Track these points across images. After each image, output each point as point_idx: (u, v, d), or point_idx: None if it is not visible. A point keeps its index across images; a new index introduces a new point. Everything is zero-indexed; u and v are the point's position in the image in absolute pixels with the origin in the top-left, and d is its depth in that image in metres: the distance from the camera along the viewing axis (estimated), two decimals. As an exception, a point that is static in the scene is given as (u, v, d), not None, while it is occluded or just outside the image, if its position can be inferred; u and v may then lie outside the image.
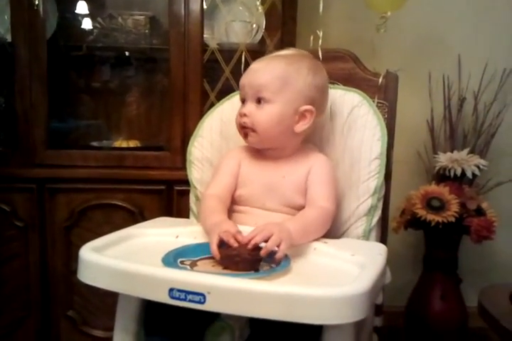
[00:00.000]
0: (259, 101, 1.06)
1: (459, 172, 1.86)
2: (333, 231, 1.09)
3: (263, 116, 1.05)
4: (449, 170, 1.87)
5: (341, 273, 0.83)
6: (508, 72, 2.03)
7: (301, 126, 1.08)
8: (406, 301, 1.96)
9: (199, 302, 0.72)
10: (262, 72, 1.06)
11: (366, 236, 1.07)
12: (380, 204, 1.09)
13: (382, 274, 0.83)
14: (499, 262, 2.15)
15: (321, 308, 0.70)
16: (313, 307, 0.70)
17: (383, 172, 1.09)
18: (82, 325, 1.73)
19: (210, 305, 0.72)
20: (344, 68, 1.29)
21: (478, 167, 1.86)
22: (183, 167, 1.63)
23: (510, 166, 2.08)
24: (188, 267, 0.84)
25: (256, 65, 1.09)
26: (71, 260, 1.66)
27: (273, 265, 0.85)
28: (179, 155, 1.67)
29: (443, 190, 1.82)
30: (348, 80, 1.26)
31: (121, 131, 1.98)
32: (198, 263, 0.86)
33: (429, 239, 1.94)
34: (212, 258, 0.88)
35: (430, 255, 1.93)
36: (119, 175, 1.67)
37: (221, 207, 1.05)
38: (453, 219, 1.77)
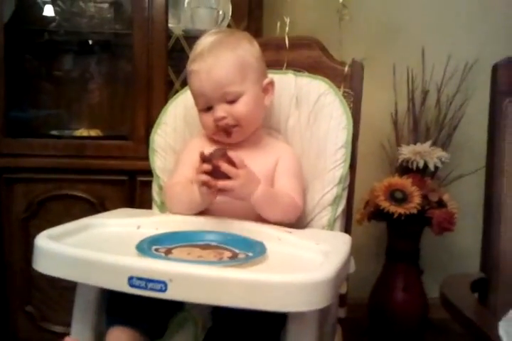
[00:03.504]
0: (228, 99, 1.03)
1: (421, 164, 1.88)
2: (298, 221, 1.08)
3: (242, 110, 1.03)
4: (412, 163, 1.89)
5: (306, 261, 0.82)
6: (470, 66, 2.05)
7: (268, 100, 1.10)
8: (369, 292, 1.98)
9: (160, 290, 0.70)
10: (216, 71, 1.01)
11: (331, 226, 1.07)
12: (345, 194, 1.09)
13: (347, 263, 0.82)
14: (459, 253, 2.19)
15: (286, 295, 0.68)
16: (278, 294, 0.68)
17: (348, 161, 1.09)
18: (40, 320, 1.69)
19: (171, 294, 0.70)
20: (310, 56, 1.27)
21: (440, 159, 1.88)
22: (147, 157, 1.60)
23: (471, 159, 2.09)
24: (163, 254, 0.81)
25: (204, 65, 1.02)
26: (29, 253, 1.56)
27: (250, 254, 0.83)
28: (142, 144, 1.62)
29: (406, 182, 1.83)
30: (315, 68, 1.25)
31: (82, 120, 1.93)
32: (174, 250, 0.84)
33: (391, 231, 1.96)
34: (188, 246, 0.86)
35: (393, 246, 1.95)
36: (79, 165, 1.63)
37: None
38: (415, 211, 1.78)
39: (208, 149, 1.05)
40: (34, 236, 1.48)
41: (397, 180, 1.85)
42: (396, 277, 1.90)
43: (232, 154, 0.93)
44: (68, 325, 1.61)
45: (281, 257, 0.84)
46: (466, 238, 2.12)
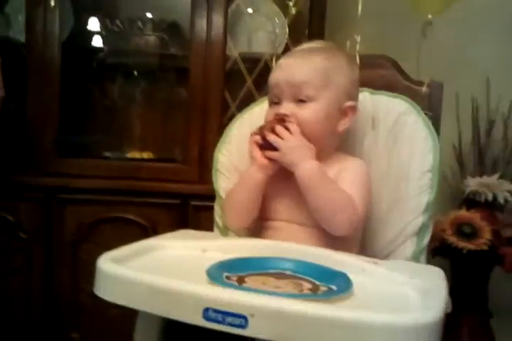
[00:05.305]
0: (299, 99, 0.96)
1: (490, 197, 1.76)
2: (377, 250, 0.99)
3: (309, 115, 0.95)
4: (480, 195, 1.77)
5: (401, 298, 0.71)
6: (539, 97, 1.94)
7: (344, 125, 1.00)
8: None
9: (239, 326, 0.60)
10: (302, 68, 0.96)
11: (416, 259, 0.96)
12: (431, 224, 0.99)
13: (447, 302, 0.71)
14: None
15: (389, 338, 0.57)
16: (379, 337, 0.57)
17: (436, 187, 0.99)
18: (87, 349, 1.61)
19: (252, 330, 0.60)
20: (383, 75, 1.21)
21: (510, 193, 1.76)
22: (200, 180, 1.56)
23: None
24: (236, 283, 0.72)
25: (290, 60, 0.99)
26: (78, 276, 1.53)
27: (333, 287, 0.73)
28: (196, 168, 1.58)
29: (474, 216, 1.71)
30: (388, 88, 1.16)
31: (134, 142, 1.88)
32: (247, 279, 0.74)
33: (456, 269, 1.81)
34: (261, 274, 0.77)
35: (458, 286, 1.80)
36: (132, 187, 1.57)
37: None
38: (486, 248, 1.65)
39: None
40: (83, 259, 1.43)
41: (464, 214, 1.72)
42: (462, 320, 1.75)
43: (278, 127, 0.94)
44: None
45: (369, 292, 0.73)
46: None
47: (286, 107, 0.96)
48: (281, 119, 0.95)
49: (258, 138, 0.95)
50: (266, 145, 0.95)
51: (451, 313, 1.72)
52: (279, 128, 0.93)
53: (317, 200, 0.91)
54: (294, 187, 0.96)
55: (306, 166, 0.91)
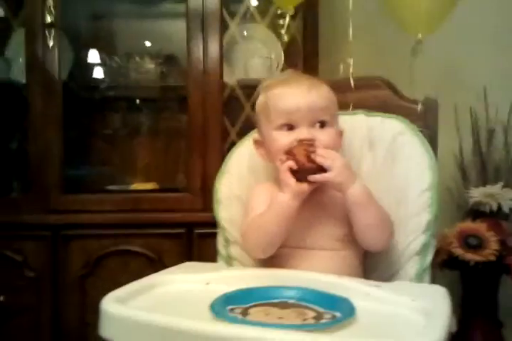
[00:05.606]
0: (317, 124, 0.98)
1: (495, 207, 1.75)
2: (381, 271, 1.00)
3: (329, 139, 0.97)
4: (485, 206, 1.77)
5: (404, 322, 0.71)
6: (537, 103, 1.95)
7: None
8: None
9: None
10: (320, 95, 0.98)
11: (420, 278, 0.96)
12: (434, 242, 0.99)
13: (450, 322, 0.71)
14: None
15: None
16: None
17: (436, 205, 1.00)
18: (97, 389, 1.58)
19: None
20: (377, 96, 1.22)
21: (515, 201, 1.76)
22: (204, 208, 1.56)
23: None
24: (240, 316, 0.72)
25: (299, 88, 0.98)
26: (86, 312, 1.53)
27: (337, 313, 0.73)
28: (199, 196, 1.59)
29: (480, 227, 1.71)
30: (383, 108, 1.17)
31: (137, 174, 1.91)
32: (250, 311, 0.75)
33: (465, 280, 1.81)
34: (265, 305, 0.77)
35: (468, 297, 1.79)
36: (136, 220, 1.58)
37: None
38: (493, 258, 1.64)
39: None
40: (91, 295, 1.43)
41: (469, 225, 1.72)
42: (473, 331, 1.73)
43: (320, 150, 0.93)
44: None
45: (372, 317, 0.73)
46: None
47: (309, 132, 0.96)
48: (310, 144, 0.95)
49: (292, 163, 0.93)
50: (305, 170, 0.93)
51: (463, 324, 1.73)
52: (323, 151, 0.93)
53: (368, 218, 0.94)
54: (306, 212, 0.97)
55: (357, 185, 0.93)
